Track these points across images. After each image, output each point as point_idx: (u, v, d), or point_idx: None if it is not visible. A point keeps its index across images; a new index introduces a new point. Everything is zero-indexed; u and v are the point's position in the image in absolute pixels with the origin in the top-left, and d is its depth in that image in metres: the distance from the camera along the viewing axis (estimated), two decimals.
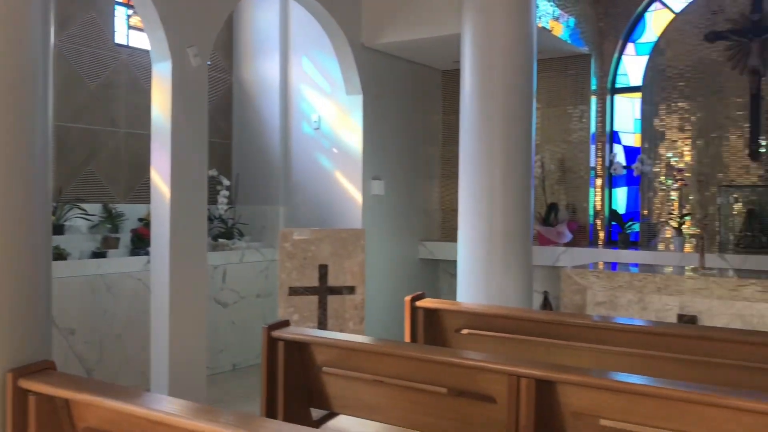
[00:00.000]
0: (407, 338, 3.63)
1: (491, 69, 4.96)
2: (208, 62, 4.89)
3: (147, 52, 5.48)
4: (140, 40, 6.25)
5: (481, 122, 5.04)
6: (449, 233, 7.18)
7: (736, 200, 6.13)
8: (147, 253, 5.38)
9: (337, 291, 4.97)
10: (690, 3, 6.49)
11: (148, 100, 4.78)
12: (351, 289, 5.00)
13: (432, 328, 3.62)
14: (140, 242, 5.67)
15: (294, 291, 4.89)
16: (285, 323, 2.96)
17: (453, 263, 5.35)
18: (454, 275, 5.36)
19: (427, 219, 7.27)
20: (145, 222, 5.75)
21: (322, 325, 4.90)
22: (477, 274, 4.95)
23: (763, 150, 6.11)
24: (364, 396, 2.75)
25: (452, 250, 5.52)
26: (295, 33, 6.64)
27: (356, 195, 6.27)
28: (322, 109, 6.50)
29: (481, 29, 5.00)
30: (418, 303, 3.64)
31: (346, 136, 6.34)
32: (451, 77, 7.01)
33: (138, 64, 6.26)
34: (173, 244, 4.56)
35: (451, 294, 5.98)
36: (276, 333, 2.88)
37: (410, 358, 2.63)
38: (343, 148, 6.36)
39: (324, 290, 4.95)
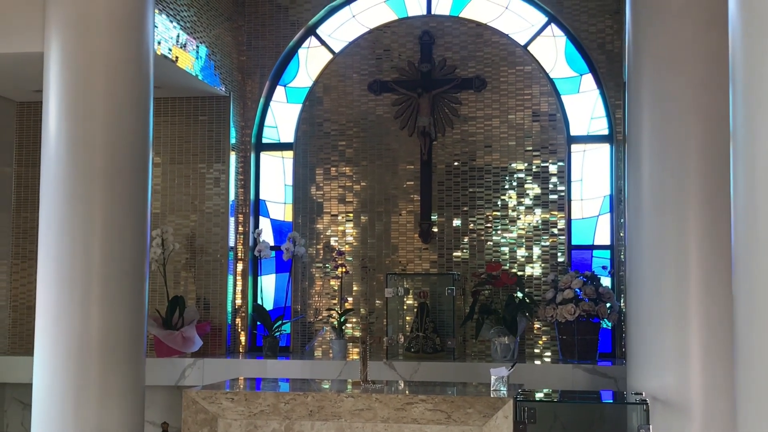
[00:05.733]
0: None
1: (87, 105, 4.89)
2: None
3: None
4: None
5: (74, 179, 4.98)
6: (23, 344, 6.80)
7: (407, 292, 6.80)
8: None
9: None
10: (351, 43, 7.19)
11: None
12: None
13: None
14: None
15: None
16: None
17: (28, 388, 5.18)
18: (28, 406, 5.19)
19: None
20: None
21: None
22: (62, 404, 4.86)
23: (435, 230, 6.90)
24: None
25: (26, 369, 5.29)
26: None
27: None
28: None
29: (71, 49, 4.93)
30: None
31: None
32: (31, 112, 6.83)
33: None
34: None
35: None
36: None
37: None
38: None
39: None
